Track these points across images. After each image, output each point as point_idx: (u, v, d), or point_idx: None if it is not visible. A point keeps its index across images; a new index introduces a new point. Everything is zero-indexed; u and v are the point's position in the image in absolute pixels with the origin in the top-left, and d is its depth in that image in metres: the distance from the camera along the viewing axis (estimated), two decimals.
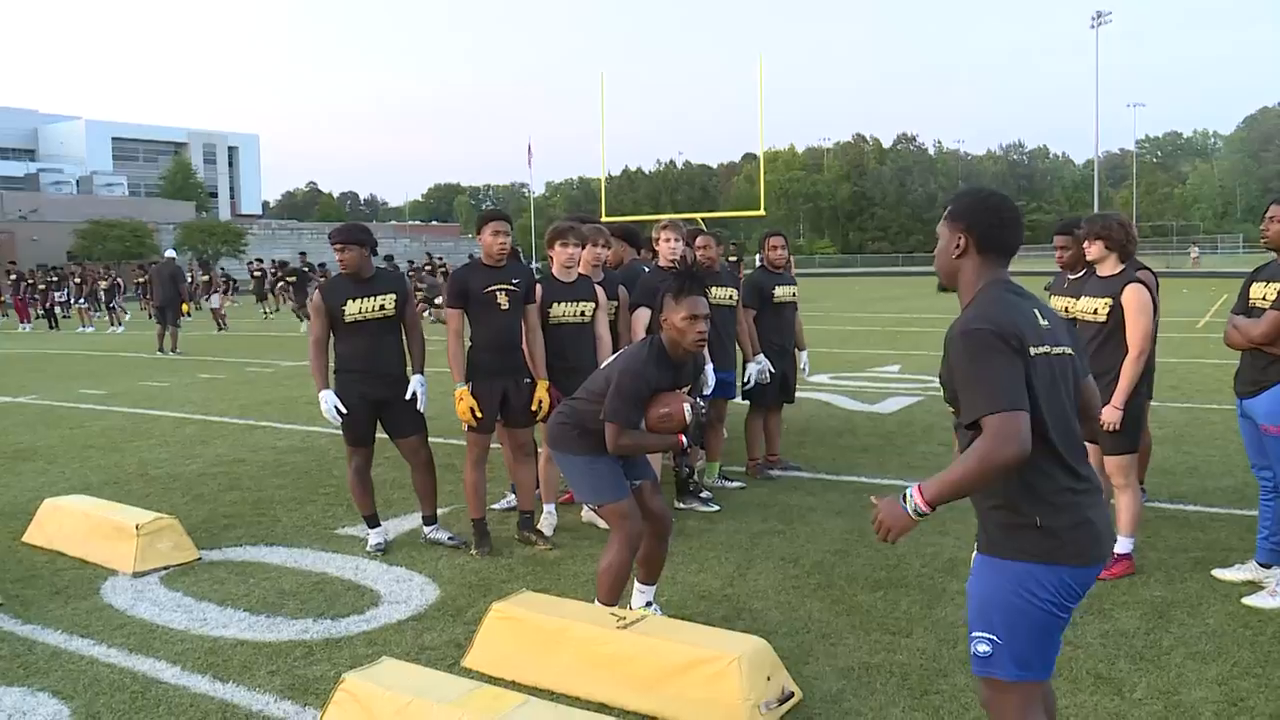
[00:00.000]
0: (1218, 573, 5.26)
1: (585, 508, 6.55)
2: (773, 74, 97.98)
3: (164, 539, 5.92)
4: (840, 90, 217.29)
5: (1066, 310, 5.62)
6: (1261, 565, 5.16)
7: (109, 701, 4.14)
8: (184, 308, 21.38)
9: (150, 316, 24.94)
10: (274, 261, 33.22)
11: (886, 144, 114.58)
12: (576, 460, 4.66)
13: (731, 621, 4.75)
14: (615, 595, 4.58)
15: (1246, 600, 4.90)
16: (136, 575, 5.68)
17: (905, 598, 5.12)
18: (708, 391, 6.70)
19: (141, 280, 35.39)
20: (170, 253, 23.39)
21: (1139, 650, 4.36)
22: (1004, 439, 2.47)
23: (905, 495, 2.66)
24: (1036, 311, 2.73)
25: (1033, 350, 2.60)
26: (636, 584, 4.82)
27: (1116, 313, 5.28)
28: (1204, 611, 4.79)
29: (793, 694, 3.94)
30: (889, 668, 4.28)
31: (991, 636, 2.65)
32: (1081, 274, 5.78)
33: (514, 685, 4.00)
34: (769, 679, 3.85)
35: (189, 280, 24.66)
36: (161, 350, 19.62)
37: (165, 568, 5.81)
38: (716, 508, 6.86)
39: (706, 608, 5.06)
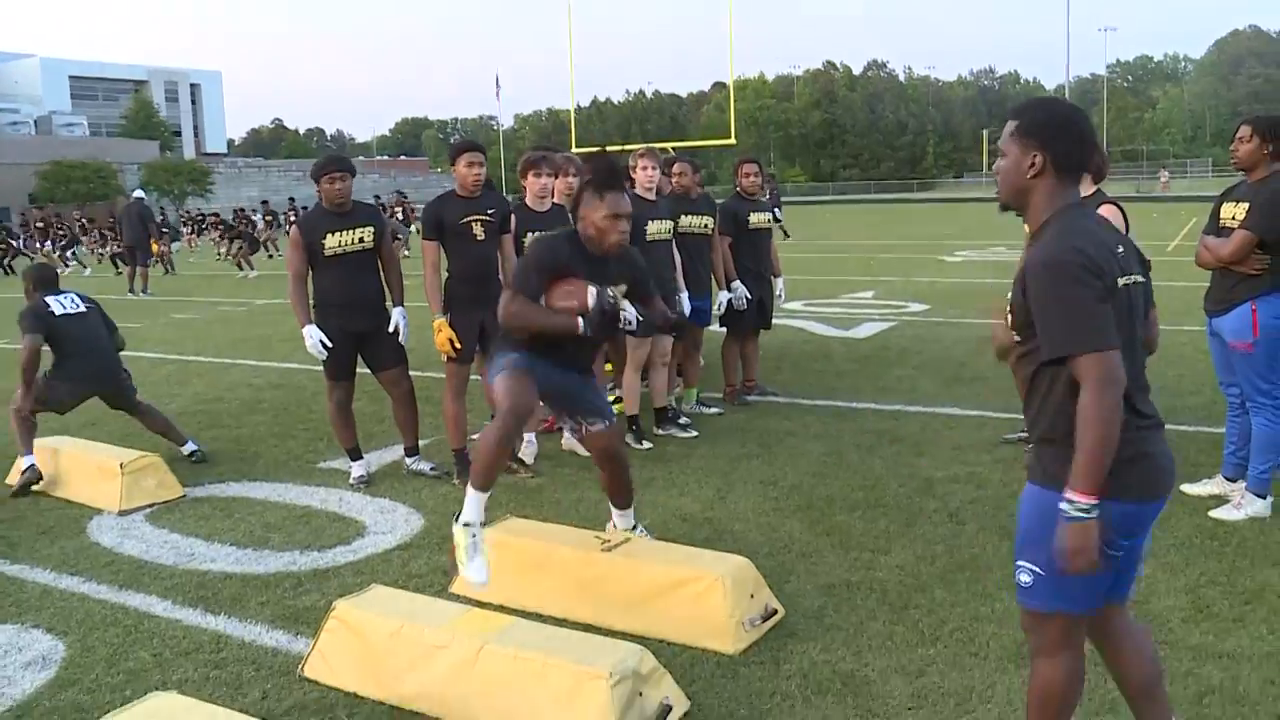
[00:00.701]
0: (1186, 487, 5.38)
1: (565, 435, 6.61)
2: (742, 1, 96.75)
3: (148, 477, 5.95)
4: (810, 18, 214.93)
5: None
6: (1228, 480, 5.29)
7: (103, 635, 4.18)
8: (153, 247, 21.15)
9: (113, 261, 24.66)
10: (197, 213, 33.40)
11: (857, 71, 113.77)
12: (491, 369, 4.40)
13: (713, 543, 4.81)
14: (486, 476, 4.15)
15: (1213, 513, 5.03)
16: (122, 513, 5.72)
17: (884, 517, 5.22)
18: (683, 311, 6.73)
19: (91, 226, 35.23)
20: (138, 193, 22.98)
21: None
22: (1104, 384, 2.36)
23: (1063, 509, 2.41)
24: (1112, 238, 2.58)
25: (1120, 282, 2.47)
26: (614, 511, 4.72)
27: None
28: (1173, 525, 4.90)
29: (776, 610, 4.04)
30: (869, 584, 4.38)
31: (1033, 567, 2.56)
32: None
33: (502, 609, 4.04)
34: (752, 597, 3.94)
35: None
36: (132, 291, 19.44)
37: (151, 505, 5.84)
38: (694, 434, 6.93)
39: (688, 530, 5.14)
